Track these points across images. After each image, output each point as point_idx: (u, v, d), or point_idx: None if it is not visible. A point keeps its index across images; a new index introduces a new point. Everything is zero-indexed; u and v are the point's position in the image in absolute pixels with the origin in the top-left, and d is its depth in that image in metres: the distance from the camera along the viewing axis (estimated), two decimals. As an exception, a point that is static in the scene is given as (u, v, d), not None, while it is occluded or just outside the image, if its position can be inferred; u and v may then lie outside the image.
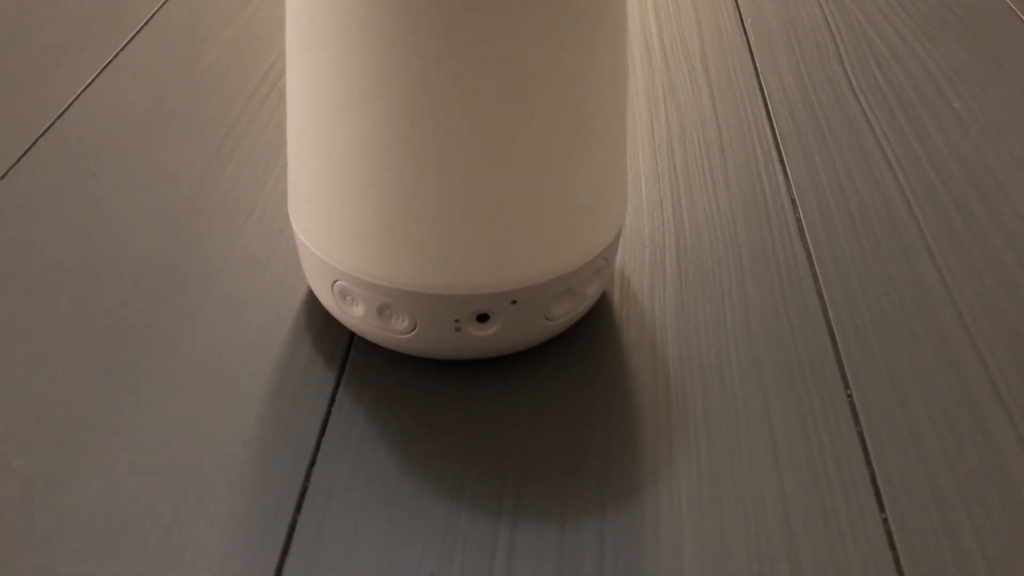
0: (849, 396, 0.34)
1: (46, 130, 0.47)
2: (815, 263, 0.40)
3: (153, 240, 0.40)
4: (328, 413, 0.33)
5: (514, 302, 0.32)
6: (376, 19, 0.28)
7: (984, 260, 0.40)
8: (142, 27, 0.56)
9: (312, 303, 0.37)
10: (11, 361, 0.34)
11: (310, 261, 0.34)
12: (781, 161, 0.47)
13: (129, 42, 0.55)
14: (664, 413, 0.33)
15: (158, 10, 0.58)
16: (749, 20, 0.60)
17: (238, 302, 0.37)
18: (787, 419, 0.33)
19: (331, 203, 0.31)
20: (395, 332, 0.33)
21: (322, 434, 0.32)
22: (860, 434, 0.33)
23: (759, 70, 0.54)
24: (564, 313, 0.34)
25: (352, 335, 0.36)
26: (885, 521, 0.30)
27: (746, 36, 0.58)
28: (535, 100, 0.29)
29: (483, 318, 0.32)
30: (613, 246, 0.35)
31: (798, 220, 0.43)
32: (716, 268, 0.40)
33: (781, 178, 0.46)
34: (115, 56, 0.53)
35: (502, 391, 0.34)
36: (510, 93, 0.28)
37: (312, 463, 0.31)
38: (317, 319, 0.36)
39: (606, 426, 0.33)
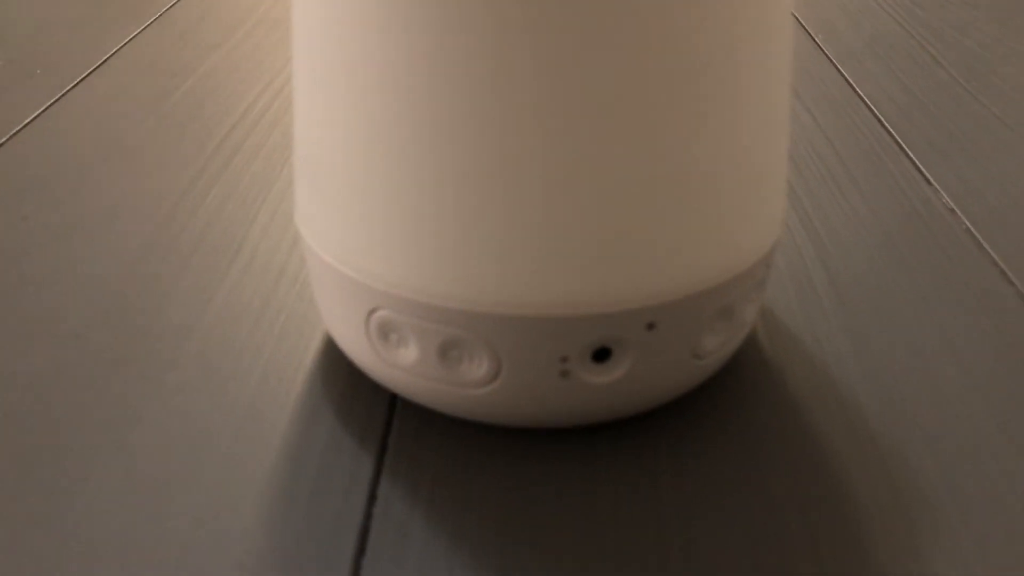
0: None
1: (-32, 172, 0.36)
2: (1008, 273, 0.30)
3: (103, 292, 0.29)
4: (367, 518, 0.21)
5: (651, 326, 0.21)
6: None
7: None
8: (106, 59, 0.46)
9: (331, 356, 0.26)
10: None
11: (333, 286, 0.23)
12: (917, 169, 0.37)
13: (86, 77, 0.45)
14: (885, 488, 0.22)
15: (125, 44, 0.49)
16: (820, 36, 0.51)
17: (221, 365, 0.26)
18: (1074, 490, 0.22)
19: (371, 194, 0.20)
20: (465, 384, 0.21)
21: (361, 553, 0.20)
22: None
23: (851, 81, 0.45)
24: (718, 346, 0.23)
25: (394, 397, 0.24)
26: None
27: (823, 51, 0.49)
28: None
29: (603, 354, 0.21)
30: (773, 251, 0.24)
31: (967, 230, 0.32)
32: (886, 290, 0.29)
33: (925, 186, 0.35)
34: (69, 91, 0.43)
35: (633, 471, 0.22)
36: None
37: (348, 600, 0.19)
38: (340, 378, 0.25)
39: (803, 514, 0.21)
